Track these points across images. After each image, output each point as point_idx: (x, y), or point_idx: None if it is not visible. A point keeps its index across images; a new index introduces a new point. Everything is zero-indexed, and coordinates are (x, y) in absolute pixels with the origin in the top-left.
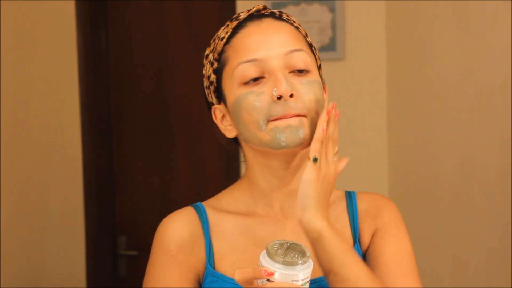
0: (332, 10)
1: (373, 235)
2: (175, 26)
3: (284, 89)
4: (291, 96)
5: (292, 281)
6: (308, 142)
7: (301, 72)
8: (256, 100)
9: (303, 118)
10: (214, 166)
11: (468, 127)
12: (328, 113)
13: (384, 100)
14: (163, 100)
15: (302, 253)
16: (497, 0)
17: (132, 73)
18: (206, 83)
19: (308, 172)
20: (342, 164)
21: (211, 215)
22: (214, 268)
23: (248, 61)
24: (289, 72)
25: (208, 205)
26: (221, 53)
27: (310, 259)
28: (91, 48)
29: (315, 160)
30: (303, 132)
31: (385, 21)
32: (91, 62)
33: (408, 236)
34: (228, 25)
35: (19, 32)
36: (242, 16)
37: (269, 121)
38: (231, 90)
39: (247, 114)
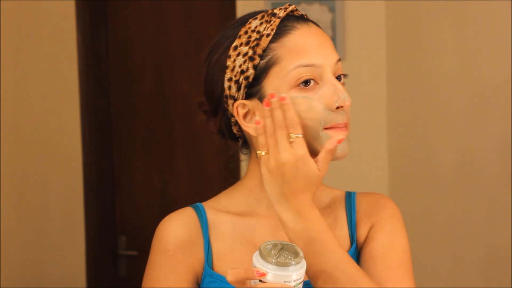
0: (332, 10)
1: (368, 232)
2: (175, 26)
3: (348, 99)
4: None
5: (285, 282)
6: None
7: (339, 81)
8: (314, 106)
9: (347, 131)
10: (214, 166)
11: (468, 127)
12: (267, 105)
13: (384, 100)
14: (163, 100)
15: (296, 254)
16: (497, 0)
17: (132, 73)
18: (230, 75)
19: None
20: (298, 145)
21: (210, 215)
22: (212, 269)
23: (308, 65)
24: None
25: (207, 205)
26: (266, 50)
27: (304, 260)
28: (91, 48)
29: (256, 155)
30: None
31: (385, 21)
32: (91, 62)
33: (404, 233)
34: (267, 21)
35: (19, 32)
36: (282, 14)
37: (324, 128)
38: (280, 91)
39: (299, 119)
